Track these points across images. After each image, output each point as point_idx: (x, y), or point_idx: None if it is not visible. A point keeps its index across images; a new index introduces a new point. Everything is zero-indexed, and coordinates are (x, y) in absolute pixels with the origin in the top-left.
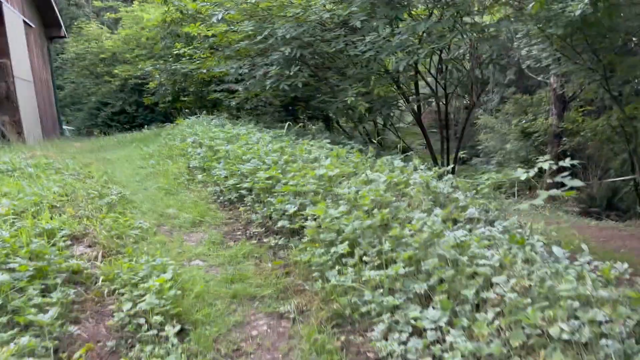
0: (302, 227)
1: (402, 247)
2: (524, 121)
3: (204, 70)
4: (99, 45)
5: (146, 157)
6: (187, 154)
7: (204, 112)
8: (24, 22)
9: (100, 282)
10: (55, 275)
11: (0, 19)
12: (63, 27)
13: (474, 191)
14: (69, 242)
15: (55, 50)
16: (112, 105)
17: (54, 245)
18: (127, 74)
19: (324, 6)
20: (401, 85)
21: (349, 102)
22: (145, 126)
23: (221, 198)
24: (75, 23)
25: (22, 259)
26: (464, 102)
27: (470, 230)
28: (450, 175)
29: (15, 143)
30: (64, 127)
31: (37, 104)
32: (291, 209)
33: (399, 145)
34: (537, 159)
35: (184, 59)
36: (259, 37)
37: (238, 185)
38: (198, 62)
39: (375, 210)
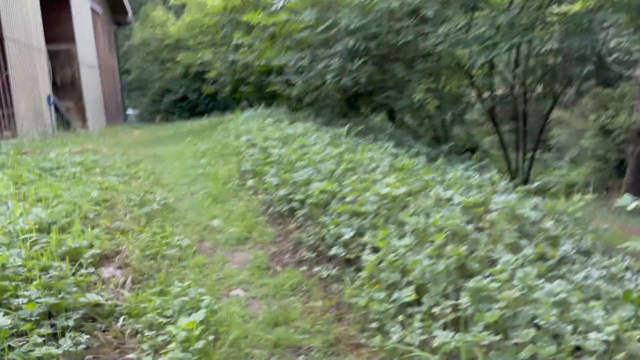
0: (359, 257)
1: (484, 302)
2: (603, 117)
3: (262, 62)
4: (163, 31)
5: (198, 155)
6: (240, 154)
7: (263, 103)
8: (91, 8)
9: (122, 320)
10: (69, 313)
11: (67, 5)
12: (130, 13)
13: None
14: (97, 263)
15: (124, 36)
16: (175, 92)
17: (78, 267)
18: (189, 61)
19: None
20: (475, 82)
21: (416, 99)
22: (206, 114)
23: (271, 209)
24: (142, 9)
25: (34, 290)
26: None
27: (563, 277)
28: (536, 199)
29: (78, 129)
30: (129, 111)
31: (101, 89)
32: (347, 235)
33: (476, 153)
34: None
35: (243, 48)
36: (321, 27)
37: (289, 197)
38: (257, 52)
39: (449, 246)
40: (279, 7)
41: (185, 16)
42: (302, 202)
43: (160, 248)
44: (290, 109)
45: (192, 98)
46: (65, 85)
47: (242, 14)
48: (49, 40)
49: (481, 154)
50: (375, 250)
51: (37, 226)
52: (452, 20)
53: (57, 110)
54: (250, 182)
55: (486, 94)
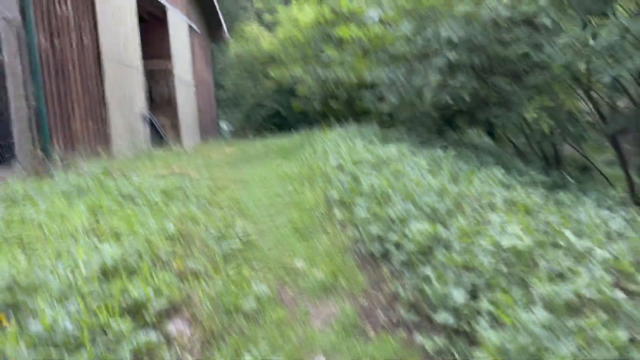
0: (474, 326)
1: None
2: None
3: (353, 78)
4: (257, 47)
5: (285, 179)
6: (328, 178)
7: (353, 120)
8: (188, 25)
9: None
10: None
11: (164, 23)
12: (225, 29)
13: None
14: (163, 317)
15: (221, 51)
16: (267, 107)
17: (141, 324)
18: (281, 76)
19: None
20: (595, 100)
21: (528, 119)
22: (296, 130)
23: (361, 249)
24: (239, 25)
25: None
26: None
27: None
28: None
29: (172, 146)
30: (224, 126)
31: (197, 106)
32: (457, 297)
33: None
34: None
35: (333, 63)
36: (419, 40)
37: (383, 236)
38: (348, 67)
39: (603, 330)
40: (374, 20)
41: (278, 31)
42: (398, 244)
43: (236, 298)
44: (381, 126)
45: (283, 113)
46: (161, 102)
47: (333, 27)
48: (146, 57)
49: (596, 173)
50: (495, 319)
51: (101, 272)
52: (572, 29)
53: (153, 126)
54: (338, 214)
55: (605, 111)
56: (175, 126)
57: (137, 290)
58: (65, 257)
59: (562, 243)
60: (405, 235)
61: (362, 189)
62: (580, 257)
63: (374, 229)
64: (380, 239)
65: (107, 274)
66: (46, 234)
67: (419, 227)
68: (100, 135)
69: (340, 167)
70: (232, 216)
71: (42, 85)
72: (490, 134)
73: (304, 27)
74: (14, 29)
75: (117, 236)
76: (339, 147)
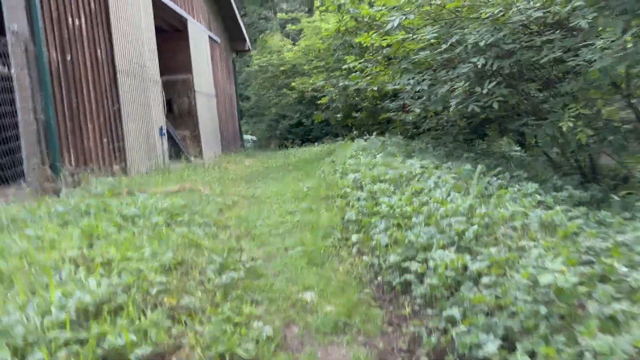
0: None
1: None
2: None
3: (375, 88)
4: (279, 57)
5: (300, 195)
6: (345, 197)
7: (376, 131)
8: (210, 37)
9: None
10: None
11: (185, 34)
12: (247, 40)
13: None
14: None
15: (243, 62)
16: (290, 118)
17: None
18: (303, 86)
19: (533, 2)
20: (636, 107)
21: (564, 128)
22: (319, 140)
23: (379, 278)
24: (261, 36)
25: None
26: None
27: None
28: None
29: (191, 158)
30: (248, 137)
31: (218, 117)
32: (488, 347)
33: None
34: None
35: (355, 73)
36: (443, 46)
37: (403, 265)
38: (370, 77)
39: None
40: (395, 25)
41: (300, 41)
42: (420, 276)
43: (232, 342)
44: (405, 135)
45: (306, 123)
46: (182, 114)
47: (355, 36)
48: (166, 69)
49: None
50: None
51: (79, 313)
52: (610, 31)
53: (172, 139)
54: (354, 238)
55: None
56: (196, 138)
57: (117, 335)
58: (41, 294)
59: (611, 277)
60: (429, 266)
61: (381, 210)
62: (635, 295)
63: (393, 257)
64: (401, 269)
65: (87, 314)
66: (27, 266)
67: (443, 256)
68: (115, 151)
69: (359, 184)
70: (239, 237)
71: (51, 98)
72: (521, 143)
73: (326, 36)
74: (21, 42)
75: (107, 266)
76: (358, 161)
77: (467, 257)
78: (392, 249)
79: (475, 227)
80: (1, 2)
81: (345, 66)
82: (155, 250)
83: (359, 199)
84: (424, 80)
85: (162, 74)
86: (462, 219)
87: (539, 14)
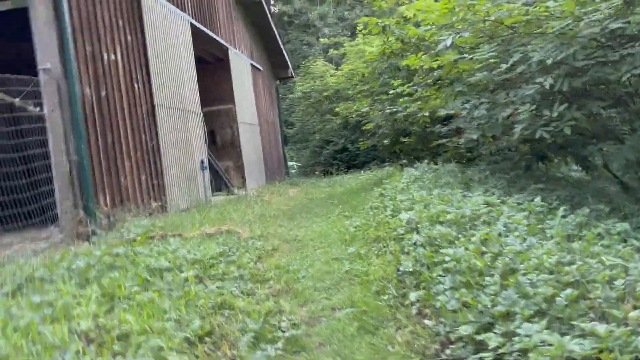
0: None
1: None
2: None
3: (426, 113)
4: (323, 83)
5: (347, 237)
6: (399, 240)
7: (427, 156)
8: (252, 66)
9: None
10: None
11: (227, 65)
12: (290, 67)
13: None
14: None
15: (287, 88)
16: (335, 143)
17: None
18: (347, 112)
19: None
20: None
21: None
22: (365, 167)
23: (447, 352)
24: (304, 62)
25: None
26: None
27: None
28: None
29: (235, 190)
30: (292, 164)
31: (262, 146)
32: None
33: None
34: None
35: (403, 97)
36: (503, 66)
37: (477, 338)
38: (419, 102)
39: None
40: (447, 45)
41: (343, 65)
42: (501, 357)
43: None
44: (459, 161)
45: (351, 149)
46: (225, 145)
47: (401, 58)
48: (208, 100)
49: None
50: None
51: None
52: None
53: (214, 171)
54: (413, 296)
55: None
56: (239, 169)
57: None
58: None
59: None
60: (514, 345)
61: (444, 262)
62: None
63: (464, 328)
64: (475, 343)
65: None
66: (29, 344)
67: (532, 332)
68: (153, 188)
69: (414, 226)
70: (279, 293)
71: (85, 138)
72: (585, 166)
73: (370, 60)
74: (54, 81)
75: (124, 341)
76: (411, 195)
77: (566, 339)
78: (462, 315)
79: (570, 291)
80: (33, 41)
81: (393, 91)
82: (182, 316)
83: (415, 245)
84: (481, 103)
85: (203, 105)
86: (548, 277)
87: (617, 24)
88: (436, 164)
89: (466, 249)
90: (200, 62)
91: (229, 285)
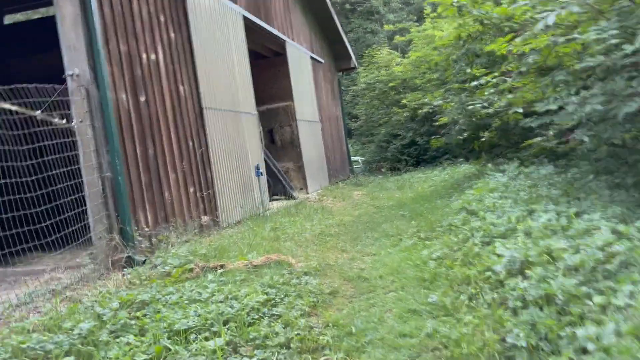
0: None
1: None
2: None
3: (520, 109)
4: (388, 73)
5: (425, 277)
6: (496, 284)
7: (511, 153)
8: (312, 59)
9: None
10: None
11: (284, 60)
12: (353, 57)
13: None
14: None
15: (351, 80)
16: (402, 137)
17: None
18: (416, 102)
19: None
20: None
21: None
22: (436, 162)
23: None
24: (367, 51)
25: None
26: None
27: None
28: None
29: (295, 194)
30: (357, 158)
31: (324, 144)
32: None
33: None
34: None
35: (483, 88)
36: (628, 48)
37: None
38: (510, 95)
39: None
40: (550, 23)
41: (411, 53)
42: None
43: None
44: (551, 159)
45: (420, 142)
46: (284, 145)
47: (480, 42)
48: (265, 98)
49: None
50: None
51: None
52: None
53: (273, 174)
54: None
55: None
56: (300, 169)
57: None
58: None
59: None
60: None
61: (576, 335)
62: None
63: None
64: None
65: None
66: None
67: None
68: (203, 201)
69: (518, 267)
70: None
71: (120, 151)
72: None
73: (442, 46)
74: (82, 88)
75: None
76: (504, 214)
77: None
78: None
79: None
80: (60, 44)
81: (474, 82)
82: None
83: (524, 300)
84: (592, 96)
85: (261, 103)
86: None
87: None
88: (523, 162)
89: (615, 324)
90: (256, 57)
91: (270, 356)
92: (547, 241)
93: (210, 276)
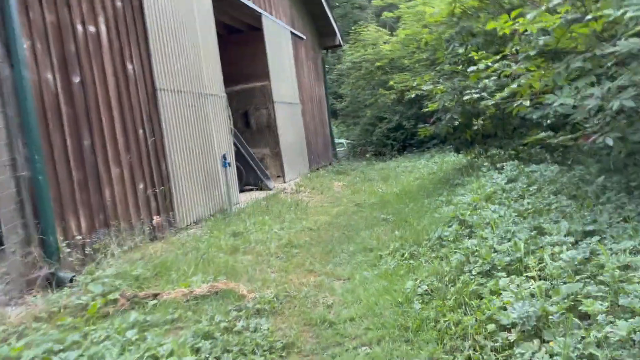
0: None
1: None
2: None
3: (526, 103)
4: (375, 51)
5: (408, 324)
6: (504, 347)
7: (505, 143)
8: (292, 34)
9: None
10: None
11: (260, 35)
12: (338, 34)
13: None
14: None
15: (337, 57)
16: (388, 120)
17: None
18: (404, 85)
19: None
20: None
21: None
22: (422, 147)
23: None
24: (353, 28)
25: None
26: None
27: None
28: None
29: (271, 185)
30: (342, 140)
31: (304, 127)
32: None
33: None
34: None
35: (489, 76)
36: None
37: None
38: (517, 83)
39: None
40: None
41: (400, 30)
42: None
43: None
44: (550, 152)
45: (407, 126)
46: (260, 129)
47: (476, 20)
48: (240, 77)
49: None
50: None
51: None
52: None
53: (246, 162)
54: None
55: None
56: (277, 156)
57: None
58: None
59: None
60: None
61: None
62: None
63: None
64: None
65: None
66: None
67: None
68: (155, 199)
69: (533, 326)
70: None
71: (40, 144)
72: None
73: (432, 23)
74: None
75: None
76: (510, 238)
77: None
78: None
79: None
80: None
81: (473, 68)
82: None
83: None
84: (620, 91)
85: (235, 82)
86: None
87: None
88: (518, 154)
89: None
90: (230, 31)
91: None
92: (569, 285)
93: (133, 314)
